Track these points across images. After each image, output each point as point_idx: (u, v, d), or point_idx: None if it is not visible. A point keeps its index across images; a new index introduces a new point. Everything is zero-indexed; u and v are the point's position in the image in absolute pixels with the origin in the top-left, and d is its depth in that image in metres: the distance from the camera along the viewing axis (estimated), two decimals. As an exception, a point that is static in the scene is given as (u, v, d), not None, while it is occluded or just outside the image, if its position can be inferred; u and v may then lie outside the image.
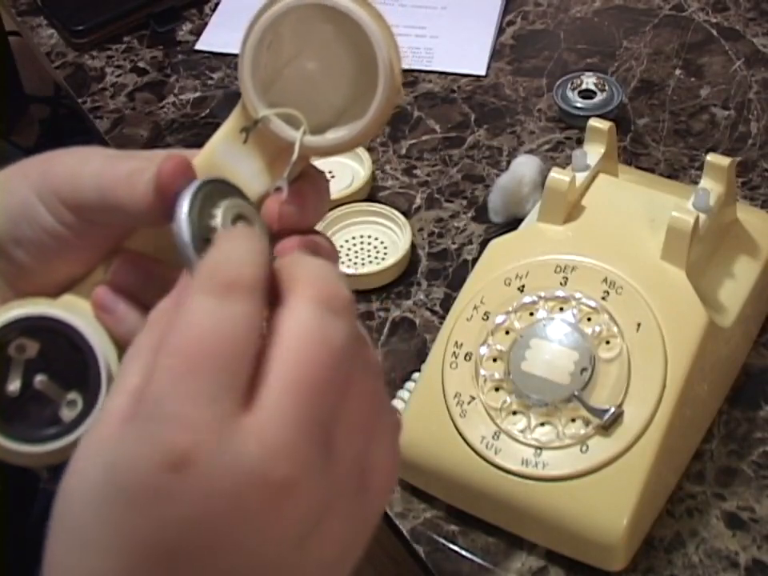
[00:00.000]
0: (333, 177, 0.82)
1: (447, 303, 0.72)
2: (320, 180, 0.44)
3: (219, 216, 0.38)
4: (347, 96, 0.42)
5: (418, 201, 0.82)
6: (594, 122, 0.70)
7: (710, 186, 0.66)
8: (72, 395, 0.41)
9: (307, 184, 0.43)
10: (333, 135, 0.41)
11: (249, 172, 0.42)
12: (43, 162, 0.42)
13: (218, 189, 0.39)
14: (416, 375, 0.68)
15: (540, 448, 0.60)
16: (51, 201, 0.41)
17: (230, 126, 0.42)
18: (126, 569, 0.32)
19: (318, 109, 0.41)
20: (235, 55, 1.01)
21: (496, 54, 0.94)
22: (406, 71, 0.92)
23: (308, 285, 0.35)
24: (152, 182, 0.40)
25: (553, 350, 0.61)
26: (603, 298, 0.63)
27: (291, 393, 0.33)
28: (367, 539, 0.37)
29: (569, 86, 0.87)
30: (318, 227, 0.79)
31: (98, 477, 0.33)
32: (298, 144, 0.40)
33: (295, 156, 0.40)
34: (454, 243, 0.79)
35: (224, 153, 0.42)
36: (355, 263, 0.77)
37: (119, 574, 0.32)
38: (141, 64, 0.96)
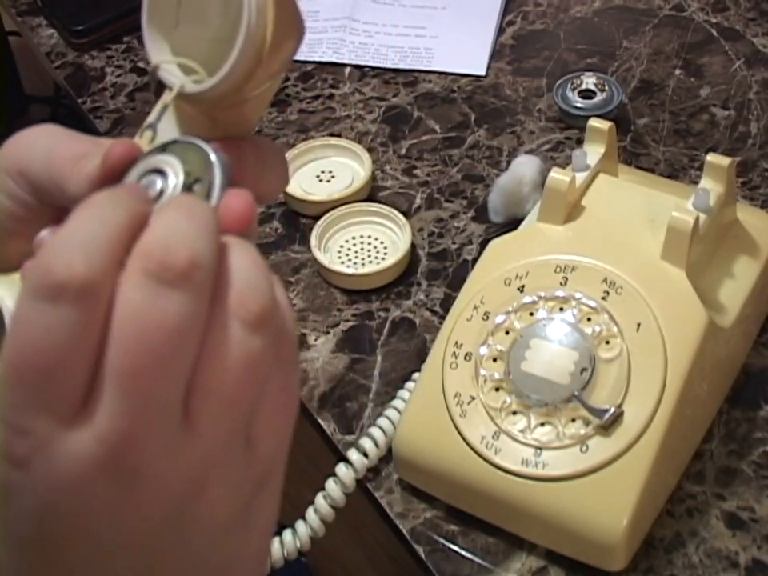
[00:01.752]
0: (333, 177, 0.82)
1: (447, 303, 0.72)
2: (256, 144, 0.41)
3: (164, 184, 0.36)
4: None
5: (418, 201, 0.82)
6: (593, 122, 0.70)
7: (710, 186, 0.66)
8: None
9: (238, 145, 0.40)
10: (205, 83, 0.38)
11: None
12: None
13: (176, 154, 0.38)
14: (416, 375, 0.68)
15: (540, 448, 0.60)
16: (4, 180, 0.40)
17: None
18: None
19: (220, 58, 0.38)
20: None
21: (496, 54, 0.94)
22: (405, 71, 0.93)
23: (138, 256, 0.32)
24: (98, 165, 0.39)
25: (553, 350, 0.61)
26: (603, 298, 0.63)
27: (120, 384, 0.32)
28: (268, 500, 0.37)
29: (569, 85, 0.87)
30: (318, 228, 0.80)
31: None
32: (173, 92, 0.38)
33: (168, 98, 0.38)
34: (454, 243, 0.79)
35: (163, 128, 0.40)
36: (355, 263, 0.77)
37: None
38: (141, 64, 0.96)
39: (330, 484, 0.64)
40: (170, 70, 0.39)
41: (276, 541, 0.64)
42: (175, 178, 0.36)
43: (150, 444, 0.32)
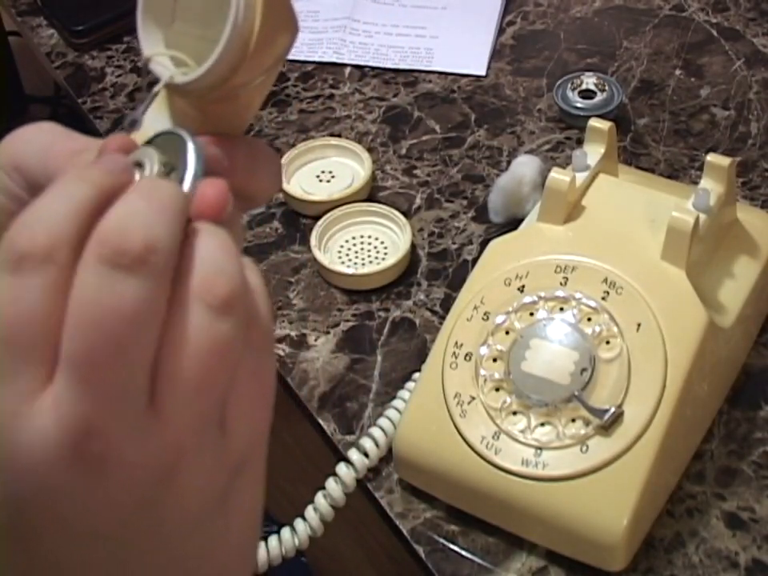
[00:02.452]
0: (333, 177, 0.82)
1: (447, 303, 0.72)
2: (248, 143, 0.40)
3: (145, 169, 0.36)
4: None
5: (418, 201, 0.82)
6: (593, 122, 0.70)
7: (710, 186, 0.66)
8: None
9: (230, 144, 0.39)
10: (192, 74, 0.38)
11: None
12: None
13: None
14: (416, 375, 0.68)
15: (540, 448, 0.60)
16: (0, 177, 0.40)
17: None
18: None
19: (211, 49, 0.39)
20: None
21: (496, 54, 0.94)
22: (405, 71, 0.93)
23: (95, 241, 0.33)
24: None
25: (553, 350, 0.61)
26: (603, 298, 0.63)
27: (79, 370, 0.32)
28: (247, 487, 0.37)
29: (569, 86, 0.87)
30: (318, 228, 0.80)
31: None
32: (162, 83, 0.38)
33: (156, 89, 0.38)
34: (454, 243, 0.79)
35: (154, 121, 0.40)
36: (355, 263, 0.77)
37: None
38: (141, 64, 0.96)
39: (331, 483, 0.64)
40: (162, 63, 0.39)
41: (274, 539, 0.64)
42: (150, 168, 0.36)
43: (114, 431, 0.32)
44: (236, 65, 0.38)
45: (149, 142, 0.38)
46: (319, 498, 0.64)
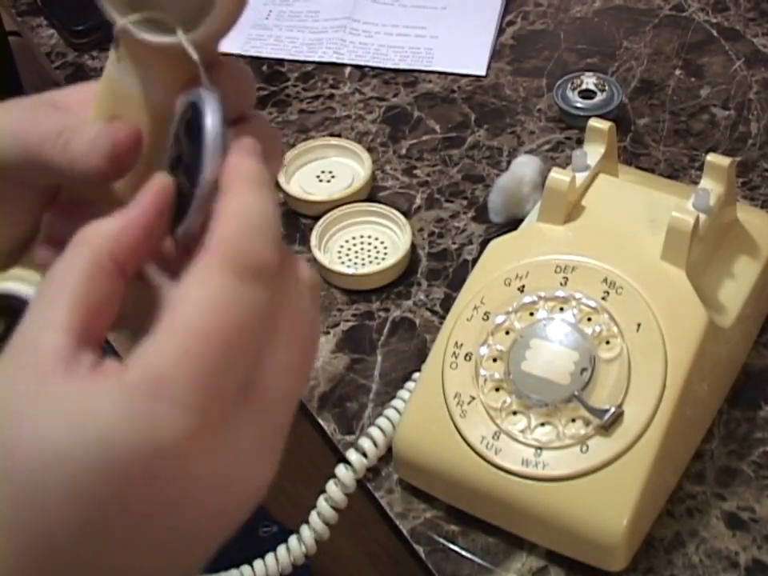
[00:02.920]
0: (333, 177, 0.82)
1: (447, 303, 0.72)
2: (228, 63, 0.41)
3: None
4: None
5: (418, 201, 0.82)
6: (593, 122, 0.70)
7: (710, 186, 0.66)
8: None
9: (219, 69, 0.40)
10: (204, 25, 0.38)
11: (156, 93, 0.40)
12: None
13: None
14: (416, 375, 0.68)
15: (540, 448, 0.60)
16: None
17: (112, 60, 0.41)
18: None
19: (176, 8, 0.39)
20: (235, 55, 1.02)
21: (496, 54, 0.94)
22: (405, 71, 0.93)
23: (218, 247, 0.34)
24: (107, 152, 0.39)
25: (553, 350, 0.61)
26: (603, 298, 0.63)
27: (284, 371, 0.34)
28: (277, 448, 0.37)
29: (569, 86, 0.87)
30: (318, 228, 0.80)
31: (80, 445, 0.32)
32: (185, 41, 0.38)
33: (195, 55, 0.38)
34: (454, 243, 0.79)
35: (122, 83, 0.41)
36: (355, 263, 0.77)
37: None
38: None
39: (331, 486, 0.64)
40: (141, 30, 0.40)
41: (282, 548, 0.64)
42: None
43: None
44: (237, 8, 0.38)
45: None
46: (321, 501, 0.64)
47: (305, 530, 0.64)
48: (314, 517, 0.64)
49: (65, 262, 0.35)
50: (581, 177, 0.68)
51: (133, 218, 0.36)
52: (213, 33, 0.38)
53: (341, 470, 0.65)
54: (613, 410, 0.59)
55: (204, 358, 0.33)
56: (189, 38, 0.38)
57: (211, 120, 0.36)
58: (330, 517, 0.64)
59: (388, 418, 0.66)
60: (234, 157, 0.36)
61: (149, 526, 0.33)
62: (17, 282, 0.40)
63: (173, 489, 0.33)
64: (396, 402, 0.67)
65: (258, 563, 0.64)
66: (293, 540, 0.64)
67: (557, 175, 0.66)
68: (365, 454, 0.65)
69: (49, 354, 0.33)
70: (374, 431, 0.66)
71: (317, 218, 0.79)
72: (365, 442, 0.65)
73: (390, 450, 0.66)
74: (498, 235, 0.69)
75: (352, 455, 0.65)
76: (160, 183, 0.37)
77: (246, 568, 0.63)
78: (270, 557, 0.64)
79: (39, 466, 0.32)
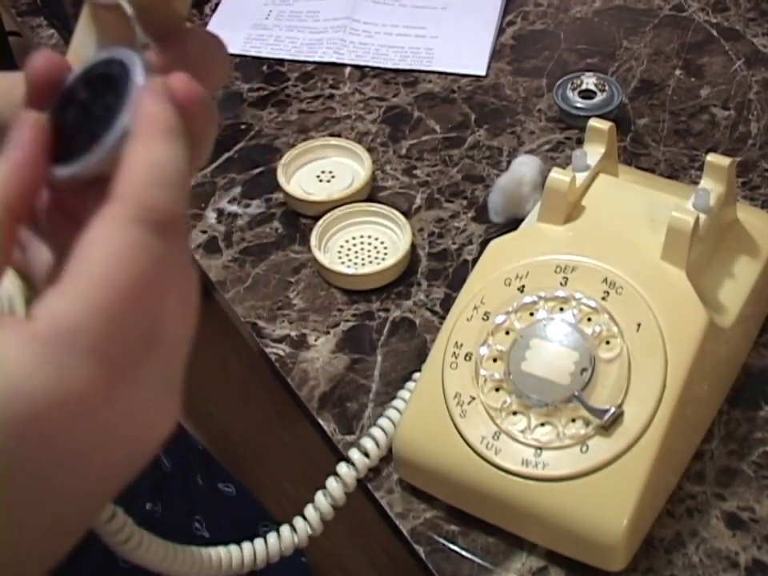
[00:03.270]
0: (333, 177, 0.82)
1: (447, 303, 0.72)
2: (194, 32, 0.40)
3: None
4: None
5: (418, 201, 0.82)
6: (593, 122, 0.70)
7: (710, 186, 0.66)
8: None
9: (179, 39, 0.39)
10: None
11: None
12: None
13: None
14: (416, 375, 0.68)
15: (540, 448, 0.60)
16: None
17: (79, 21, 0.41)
18: None
19: None
20: (235, 55, 1.02)
21: (496, 54, 0.94)
22: (405, 71, 0.93)
23: (126, 197, 0.34)
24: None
25: (553, 350, 0.61)
26: (603, 298, 0.63)
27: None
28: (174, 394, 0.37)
29: (569, 86, 0.87)
30: (318, 228, 0.80)
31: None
32: None
33: (128, 9, 0.37)
34: (454, 243, 0.79)
35: (83, 47, 0.40)
36: (355, 263, 0.77)
37: None
38: None
39: (331, 482, 0.64)
40: None
41: (273, 536, 0.64)
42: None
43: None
44: None
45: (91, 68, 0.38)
46: (319, 497, 0.64)
47: (298, 522, 0.64)
48: (309, 510, 0.64)
49: None
50: (581, 177, 0.68)
51: (18, 158, 0.36)
52: None
53: (342, 467, 0.65)
54: (613, 409, 0.59)
55: (112, 308, 0.33)
56: None
57: (133, 73, 0.36)
58: (326, 512, 0.64)
59: (389, 418, 0.66)
60: (147, 104, 0.35)
61: (64, 472, 0.34)
62: None
63: (86, 437, 0.34)
64: (397, 402, 0.67)
65: (246, 545, 0.63)
66: (285, 529, 0.64)
67: (557, 175, 0.66)
68: (367, 454, 0.65)
69: None
70: (375, 431, 0.66)
71: (317, 218, 0.79)
72: (367, 442, 0.65)
73: (390, 449, 0.66)
74: (498, 235, 0.69)
75: (354, 455, 0.65)
76: (33, 119, 0.37)
77: (234, 547, 0.63)
78: (258, 541, 0.64)
79: None
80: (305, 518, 0.64)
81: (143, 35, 0.37)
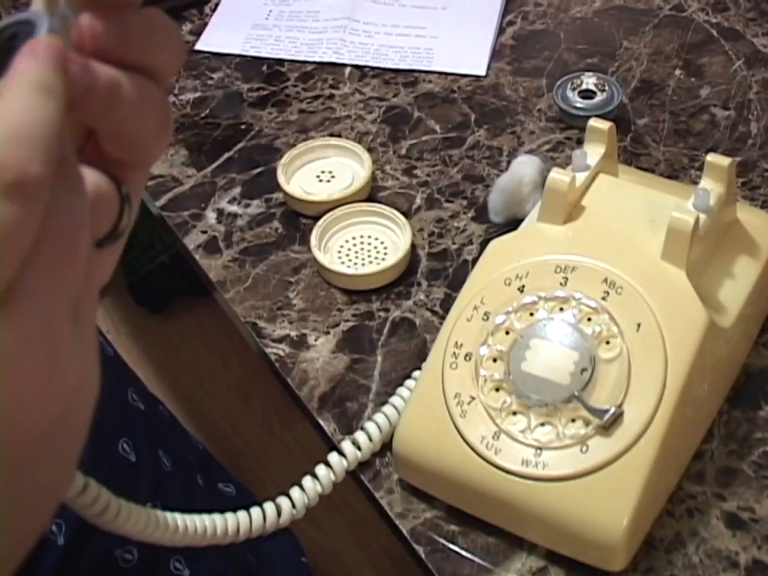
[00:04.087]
0: (333, 177, 0.82)
1: (447, 303, 0.72)
2: (142, 13, 0.38)
3: None
4: None
5: (418, 201, 0.82)
6: (593, 122, 0.70)
7: (710, 186, 0.66)
8: None
9: (120, 15, 0.37)
10: None
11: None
12: None
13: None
14: (416, 373, 0.68)
15: (540, 448, 0.60)
16: None
17: None
18: None
19: None
20: (235, 55, 1.02)
21: (496, 54, 0.94)
22: (405, 71, 0.93)
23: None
24: None
25: (553, 350, 0.61)
26: (603, 298, 0.63)
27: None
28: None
29: (569, 86, 0.87)
30: (318, 228, 0.80)
31: None
32: None
33: None
34: (454, 243, 0.79)
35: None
36: (355, 263, 0.77)
37: None
38: None
39: (321, 469, 0.65)
40: None
41: (256, 510, 0.64)
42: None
43: None
44: None
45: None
46: (307, 480, 0.65)
47: (283, 501, 0.64)
48: (295, 491, 0.64)
49: None
50: (581, 177, 0.68)
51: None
52: None
53: (333, 456, 0.65)
54: (613, 409, 0.59)
55: None
56: None
57: (35, 33, 0.35)
58: (311, 496, 0.64)
59: (385, 414, 0.66)
60: (21, 59, 0.34)
61: None
62: None
63: None
64: (394, 399, 0.67)
65: (229, 515, 0.62)
66: (269, 506, 0.64)
67: (557, 175, 0.66)
68: (358, 446, 0.65)
69: None
70: (369, 425, 0.66)
71: (317, 218, 0.79)
72: (360, 435, 0.66)
73: (384, 446, 0.66)
74: (498, 235, 0.69)
75: (346, 445, 0.65)
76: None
77: (217, 516, 0.62)
78: (242, 513, 0.63)
79: None
80: (290, 498, 0.64)
81: (67, 5, 0.36)
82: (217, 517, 0.62)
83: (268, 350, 0.73)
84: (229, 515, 0.62)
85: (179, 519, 0.58)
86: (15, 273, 0.34)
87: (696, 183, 0.69)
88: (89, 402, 0.38)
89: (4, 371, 0.34)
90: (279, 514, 0.64)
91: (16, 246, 0.33)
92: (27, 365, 0.35)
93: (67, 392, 0.37)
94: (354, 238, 0.79)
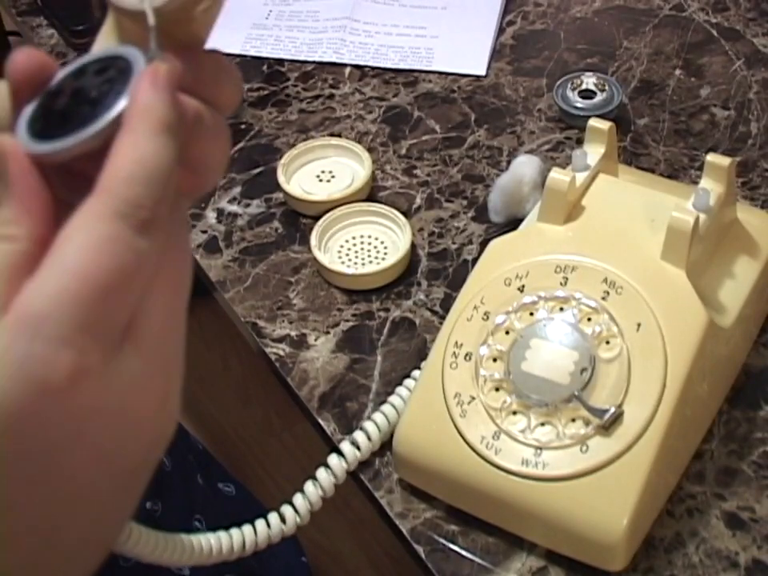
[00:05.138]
0: (333, 177, 0.82)
1: (447, 303, 0.72)
2: (211, 54, 0.40)
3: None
4: None
5: (418, 201, 0.82)
6: (593, 122, 0.70)
7: (710, 186, 0.66)
8: None
9: (195, 57, 0.39)
10: None
11: None
12: None
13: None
14: (416, 373, 0.68)
15: (540, 448, 0.60)
16: None
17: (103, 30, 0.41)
18: None
19: None
20: (235, 55, 1.02)
21: (496, 54, 0.94)
22: (405, 71, 0.93)
23: (110, 192, 0.34)
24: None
25: (553, 350, 0.61)
26: (603, 298, 0.63)
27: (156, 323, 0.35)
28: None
29: (569, 85, 0.87)
30: (318, 228, 0.80)
31: None
32: (147, 5, 0.37)
33: (151, 19, 0.37)
34: (454, 243, 0.79)
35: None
36: (355, 263, 0.77)
37: None
38: None
39: (321, 472, 0.65)
40: None
41: (261, 522, 0.64)
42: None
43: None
44: None
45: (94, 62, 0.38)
46: (308, 485, 0.65)
47: (287, 509, 0.64)
48: (298, 498, 0.64)
49: None
50: (581, 177, 0.68)
51: (25, 191, 0.36)
52: (178, 3, 0.38)
53: (333, 458, 0.65)
54: (613, 410, 0.59)
55: (82, 298, 0.33)
56: (152, 4, 0.37)
57: (136, 65, 0.37)
58: (314, 501, 0.64)
59: (383, 413, 0.66)
60: (144, 92, 0.35)
61: (43, 467, 0.34)
62: None
63: (59, 426, 0.33)
64: (393, 398, 0.67)
65: (234, 531, 0.63)
66: (273, 516, 0.64)
67: (557, 175, 0.66)
68: (357, 446, 0.65)
69: None
70: (368, 425, 0.66)
71: (317, 218, 0.79)
72: (358, 435, 0.65)
73: (384, 445, 0.66)
74: (498, 235, 0.69)
75: (345, 446, 0.65)
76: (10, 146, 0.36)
77: (223, 533, 0.63)
78: (247, 527, 0.64)
79: None
80: (293, 506, 0.64)
81: (157, 46, 0.38)
82: (222, 535, 0.63)
83: (268, 350, 0.73)
84: (234, 531, 0.63)
85: (187, 540, 0.59)
86: (139, 304, 0.35)
87: (696, 183, 0.69)
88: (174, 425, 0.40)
89: (130, 399, 0.35)
90: (284, 522, 0.64)
91: (145, 278, 0.35)
92: (149, 393, 0.36)
93: (171, 417, 0.38)
94: (353, 238, 0.79)
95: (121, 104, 0.36)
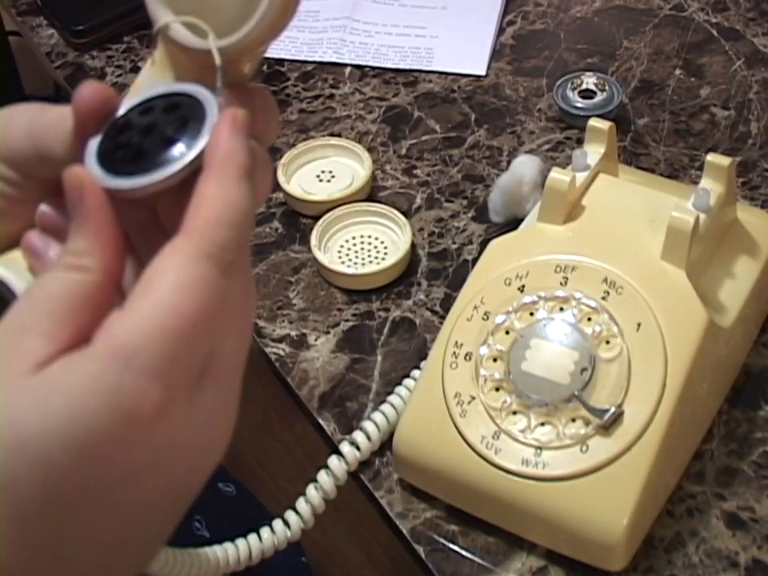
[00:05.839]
0: (333, 177, 0.82)
1: (447, 303, 0.72)
2: (260, 90, 0.43)
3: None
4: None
5: (418, 201, 0.82)
6: (593, 122, 0.70)
7: (710, 186, 0.66)
8: None
9: (248, 93, 0.41)
10: (239, 32, 0.39)
11: None
12: None
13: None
14: (416, 373, 0.68)
15: (540, 448, 0.60)
16: None
17: (150, 60, 0.41)
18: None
19: (219, 15, 0.40)
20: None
21: (496, 54, 0.94)
22: (405, 71, 0.93)
23: (201, 233, 0.35)
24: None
25: (553, 350, 0.61)
26: (603, 298, 0.63)
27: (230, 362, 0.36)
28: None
29: (569, 85, 0.87)
30: (318, 228, 0.80)
31: (42, 419, 0.33)
32: (213, 46, 0.39)
33: (218, 59, 0.39)
34: (454, 243, 0.79)
35: (150, 85, 0.41)
36: (355, 263, 0.77)
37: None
38: (141, 64, 0.95)
39: (322, 475, 0.65)
40: (180, 31, 0.40)
41: (266, 531, 0.64)
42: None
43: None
44: (278, 22, 0.39)
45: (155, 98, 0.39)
46: (310, 490, 0.65)
47: (291, 516, 0.64)
48: (300, 503, 0.64)
49: (52, 280, 0.36)
50: (581, 177, 0.68)
51: (97, 228, 0.37)
52: (246, 43, 0.39)
53: (333, 460, 0.65)
54: (613, 409, 0.59)
55: (173, 334, 0.34)
56: (219, 44, 0.39)
57: (209, 106, 0.38)
58: (317, 505, 0.64)
59: (383, 413, 0.66)
60: (225, 138, 0.37)
61: (121, 489, 0.35)
62: (5, 267, 0.41)
63: (141, 454, 0.35)
64: (392, 398, 0.67)
65: (240, 541, 0.64)
66: (277, 523, 0.64)
67: (557, 175, 0.66)
68: (357, 447, 0.65)
69: (26, 358, 0.34)
70: (367, 425, 0.66)
71: (317, 218, 0.79)
72: (358, 435, 0.65)
73: (384, 445, 0.66)
74: (498, 235, 0.69)
75: (344, 447, 0.65)
76: (80, 176, 0.38)
77: (229, 545, 0.63)
78: (252, 537, 0.64)
79: (4, 445, 0.33)
80: (297, 512, 0.64)
81: (223, 85, 0.39)
82: (228, 546, 0.63)
83: (268, 350, 0.73)
84: (240, 542, 0.64)
85: (194, 554, 0.59)
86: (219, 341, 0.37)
87: (696, 183, 0.69)
88: None
89: (205, 432, 0.37)
90: (288, 527, 0.64)
91: (227, 317, 0.36)
92: (221, 425, 0.38)
93: (226, 445, 0.39)
94: (354, 238, 0.79)
95: (200, 145, 0.37)
